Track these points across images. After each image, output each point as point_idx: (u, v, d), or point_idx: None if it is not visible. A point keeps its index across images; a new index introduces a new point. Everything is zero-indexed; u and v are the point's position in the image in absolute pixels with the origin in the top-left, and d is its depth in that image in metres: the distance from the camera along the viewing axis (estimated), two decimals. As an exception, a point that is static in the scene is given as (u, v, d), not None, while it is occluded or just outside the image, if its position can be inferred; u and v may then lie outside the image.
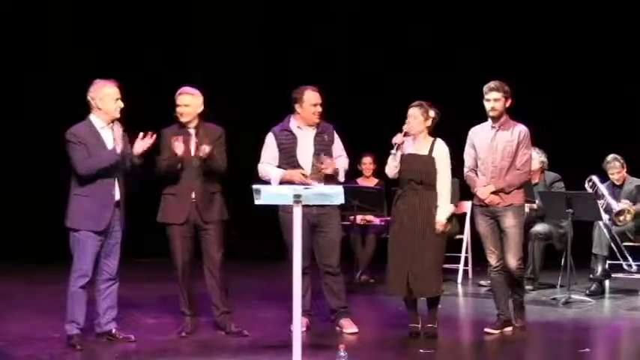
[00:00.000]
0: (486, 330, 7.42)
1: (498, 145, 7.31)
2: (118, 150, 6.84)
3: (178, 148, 7.05)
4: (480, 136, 7.39)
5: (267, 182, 7.31)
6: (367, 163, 10.53)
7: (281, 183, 7.27)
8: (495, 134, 7.33)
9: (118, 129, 6.94)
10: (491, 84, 7.32)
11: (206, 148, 7.05)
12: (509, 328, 7.44)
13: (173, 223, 7.20)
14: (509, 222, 7.28)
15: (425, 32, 11.81)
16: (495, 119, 7.32)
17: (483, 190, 7.29)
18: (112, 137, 6.92)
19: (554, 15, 11.71)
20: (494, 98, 7.28)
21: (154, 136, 6.95)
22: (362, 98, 11.69)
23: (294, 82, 7.60)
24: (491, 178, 7.31)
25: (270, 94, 10.80)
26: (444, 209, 7.15)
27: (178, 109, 7.23)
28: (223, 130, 7.36)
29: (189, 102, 7.23)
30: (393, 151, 7.15)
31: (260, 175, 7.44)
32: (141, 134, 6.93)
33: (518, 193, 7.35)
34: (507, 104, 7.33)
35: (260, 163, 7.48)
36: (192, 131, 7.25)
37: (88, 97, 6.93)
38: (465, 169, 7.47)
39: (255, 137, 7.83)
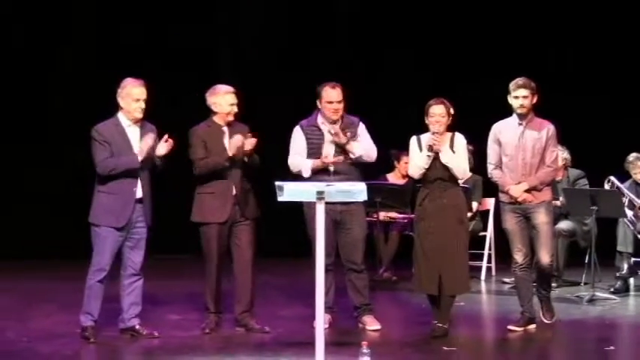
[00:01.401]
0: (510, 327, 7.39)
1: (527, 142, 7.27)
2: (140, 158, 6.87)
3: (234, 145, 7.10)
4: (506, 132, 7.35)
5: (298, 175, 7.32)
6: (407, 162, 10.35)
7: (312, 172, 7.31)
8: (523, 131, 7.29)
9: (149, 135, 6.95)
10: (519, 81, 7.28)
11: (251, 141, 7.11)
12: (533, 326, 7.40)
13: (214, 222, 7.20)
14: (542, 219, 7.26)
15: (443, 33, 11.78)
16: (523, 116, 7.29)
17: (517, 188, 7.24)
18: (138, 136, 6.96)
19: (577, 13, 11.66)
20: (522, 95, 7.25)
21: (169, 140, 6.95)
22: (401, 98, 11.63)
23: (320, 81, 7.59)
24: (522, 175, 7.27)
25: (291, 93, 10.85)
26: (451, 155, 7.10)
27: (231, 109, 7.23)
28: (247, 127, 7.37)
29: (236, 100, 7.26)
30: (431, 154, 7.11)
31: (291, 167, 7.42)
32: (165, 136, 6.97)
33: (548, 190, 7.34)
34: (534, 101, 7.30)
35: (290, 156, 7.45)
36: (225, 129, 7.26)
37: (117, 95, 6.99)
38: (490, 166, 7.43)
39: (274, 136, 7.84)
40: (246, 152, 7.17)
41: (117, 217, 6.88)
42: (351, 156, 7.38)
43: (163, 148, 6.97)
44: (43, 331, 7.34)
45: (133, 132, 6.98)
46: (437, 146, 7.08)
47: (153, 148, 6.95)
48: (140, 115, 6.97)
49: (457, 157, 7.14)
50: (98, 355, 6.77)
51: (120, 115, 6.99)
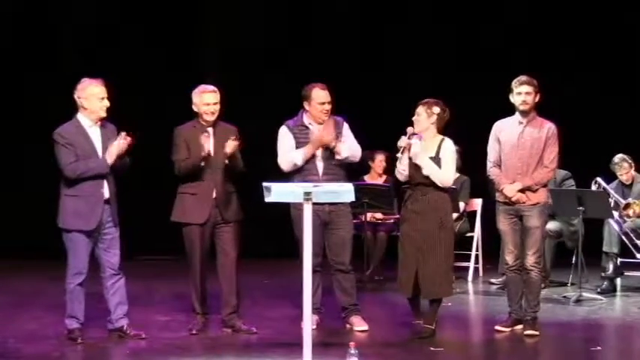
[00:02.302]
0: (497, 328, 7.40)
1: (526, 141, 7.23)
2: (109, 161, 6.83)
3: (206, 145, 7.06)
4: (506, 131, 7.31)
5: (287, 175, 7.33)
6: (380, 160, 10.44)
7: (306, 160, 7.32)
8: (523, 130, 7.25)
9: (111, 134, 6.91)
10: (522, 78, 7.25)
11: (232, 144, 7.06)
12: (520, 326, 7.41)
13: (192, 223, 7.19)
14: (534, 222, 7.21)
15: (447, 32, 11.80)
16: (525, 114, 7.24)
17: (510, 188, 7.20)
18: (99, 136, 6.91)
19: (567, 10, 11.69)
20: (525, 92, 7.21)
21: (127, 138, 6.88)
22: (379, 96, 11.64)
23: (305, 81, 7.60)
24: (518, 174, 7.24)
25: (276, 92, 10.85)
26: (427, 161, 7.05)
27: (206, 108, 7.18)
28: (236, 129, 7.34)
29: (217, 100, 7.22)
30: (399, 155, 7.12)
31: (283, 165, 7.39)
32: (123, 133, 6.90)
33: (543, 191, 7.29)
34: (537, 99, 7.28)
35: (279, 156, 7.42)
36: (210, 129, 7.23)
37: (75, 96, 6.93)
38: (489, 164, 7.39)
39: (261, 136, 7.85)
40: (227, 154, 7.12)
41: (86, 220, 6.84)
42: (338, 157, 7.38)
43: (120, 146, 6.87)
44: (31, 332, 7.32)
45: (94, 133, 6.92)
46: (408, 144, 7.06)
47: (122, 149, 6.90)
48: (105, 114, 6.91)
49: (441, 167, 7.07)
50: (85, 357, 6.75)
51: (80, 117, 6.93)
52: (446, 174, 7.10)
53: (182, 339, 7.12)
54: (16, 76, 11.67)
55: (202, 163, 7.11)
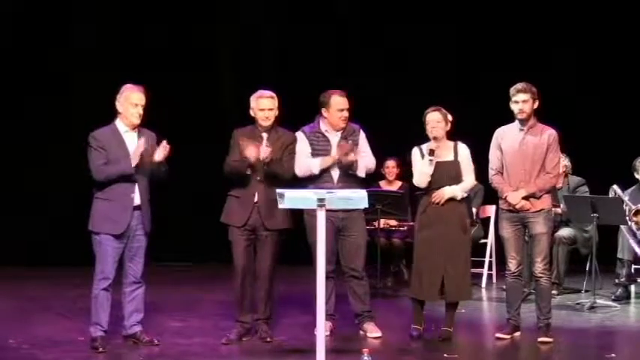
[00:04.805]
0: (498, 335, 7.40)
1: (528, 148, 7.23)
2: (133, 163, 6.84)
3: (249, 152, 7.03)
4: (507, 138, 7.32)
5: (301, 181, 7.32)
6: (390, 166, 10.48)
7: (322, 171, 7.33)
8: (524, 137, 7.25)
9: (145, 139, 6.93)
10: (519, 85, 7.25)
11: (267, 150, 7.04)
12: (518, 333, 7.41)
13: (233, 225, 7.19)
14: (540, 229, 7.21)
15: (447, 33, 11.78)
16: (524, 121, 7.25)
17: (515, 195, 7.20)
18: (136, 142, 6.93)
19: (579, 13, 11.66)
20: (522, 100, 7.21)
21: (167, 146, 6.91)
22: (385, 101, 11.65)
23: (315, 86, 7.61)
24: (521, 182, 7.23)
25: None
26: (455, 187, 7.20)
27: (261, 114, 7.16)
28: (296, 137, 7.35)
29: (273, 105, 7.21)
30: (431, 158, 7.16)
31: (298, 170, 7.33)
32: (163, 142, 6.94)
33: (547, 197, 7.29)
34: (535, 106, 7.27)
35: (295, 161, 7.35)
36: (264, 135, 7.19)
37: (116, 100, 6.99)
38: (491, 172, 7.40)
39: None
40: (263, 160, 7.07)
41: (115, 224, 6.86)
42: (354, 171, 7.37)
43: (160, 153, 6.93)
44: (45, 338, 7.33)
45: (130, 138, 6.96)
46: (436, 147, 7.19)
47: (150, 153, 6.93)
48: (137, 121, 6.95)
49: (462, 171, 7.24)
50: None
51: (118, 122, 6.98)
52: (472, 180, 7.35)
53: (195, 345, 7.11)
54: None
55: (248, 171, 7.10)
